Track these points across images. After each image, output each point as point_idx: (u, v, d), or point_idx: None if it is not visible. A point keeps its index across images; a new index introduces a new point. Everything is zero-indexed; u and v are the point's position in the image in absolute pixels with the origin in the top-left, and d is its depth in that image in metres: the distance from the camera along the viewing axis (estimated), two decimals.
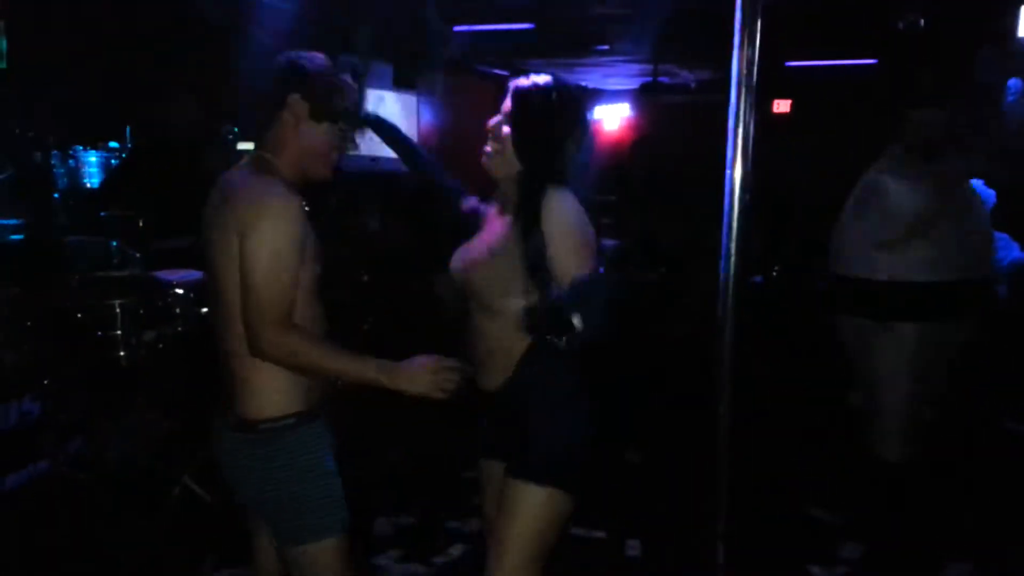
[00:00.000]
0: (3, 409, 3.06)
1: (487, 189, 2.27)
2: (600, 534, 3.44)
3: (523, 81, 2.06)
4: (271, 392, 1.84)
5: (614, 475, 3.90)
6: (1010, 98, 6.88)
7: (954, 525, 3.54)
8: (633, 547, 3.35)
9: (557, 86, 2.04)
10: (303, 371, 1.82)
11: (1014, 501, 3.76)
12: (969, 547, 3.31)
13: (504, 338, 2.00)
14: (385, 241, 5.76)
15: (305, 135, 1.90)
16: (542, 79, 2.06)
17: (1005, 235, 5.04)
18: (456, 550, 3.30)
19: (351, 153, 2.06)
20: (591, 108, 10.51)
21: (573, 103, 2.06)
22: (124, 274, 3.52)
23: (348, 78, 1.99)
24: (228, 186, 1.86)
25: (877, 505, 3.74)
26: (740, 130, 2.27)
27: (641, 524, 3.47)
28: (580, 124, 2.07)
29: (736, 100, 2.26)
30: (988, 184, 5.01)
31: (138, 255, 4.46)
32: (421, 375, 1.82)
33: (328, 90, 1.92)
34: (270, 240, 1.74)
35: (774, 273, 6.29)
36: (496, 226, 2.08)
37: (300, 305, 1.83)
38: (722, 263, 2.46)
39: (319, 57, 1.95)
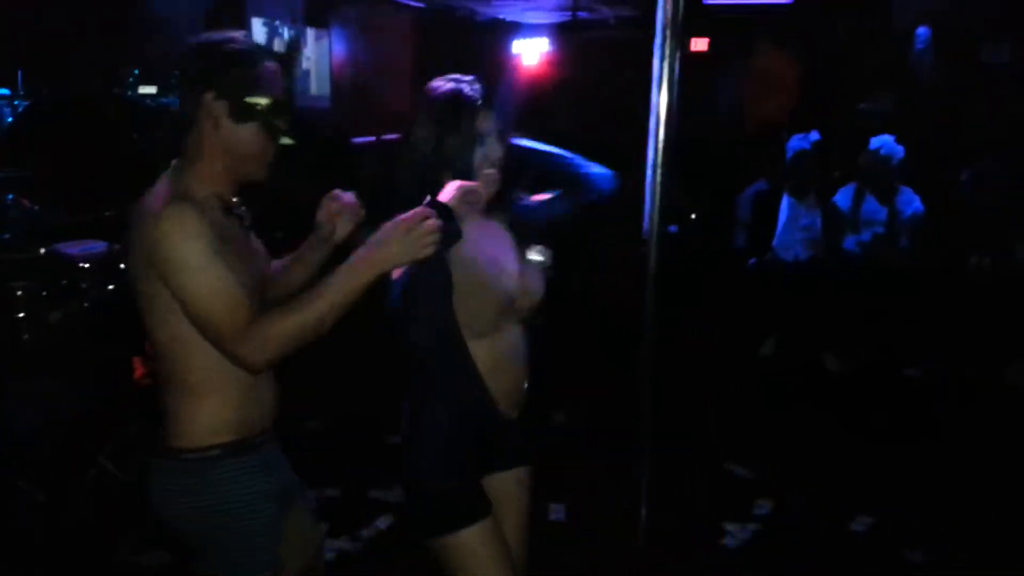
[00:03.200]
0: None
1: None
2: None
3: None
4: (197, 421, 1.72)
5: (540, 437, 3.96)
6: (919, 45, 7.04)
7: (860, 478, 3.74)
8: (557, 511, 3.43)
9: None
10: (303, 343, 1.61)
11: (915, 452, 4.00)
12: (874, 500, 3.51)
13: None
14: (297, 190, 5.59)
15: (228, 138, 1.69)
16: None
17: (908, 188, 5.22)
18: (383, 521, 3.32)
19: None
20: (509, 42, 10.34)
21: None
22: (25, 256, 3.33)
23: (272, 63, 1.72)
24: (139, 216, 1.66)
25: (788, 459, 3.93)
26: (665, 70, 2.23)
27: (565, 487, 3.54)
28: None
29: (661, 40, 2.22)
30: (898, 141, 5.16)
31: (36, 207, 4.25)
32: (402, 240, 1.61)
33: (249, 84, 1.67)
34: (185, 265, 1.59)
35: (690, 220, 6.38)
36: (504, 238, 2.01)
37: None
38: (646, 212, 2.44)
39: (235, 38, 1.70)
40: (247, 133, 1.69)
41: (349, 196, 1.97)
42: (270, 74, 1.71)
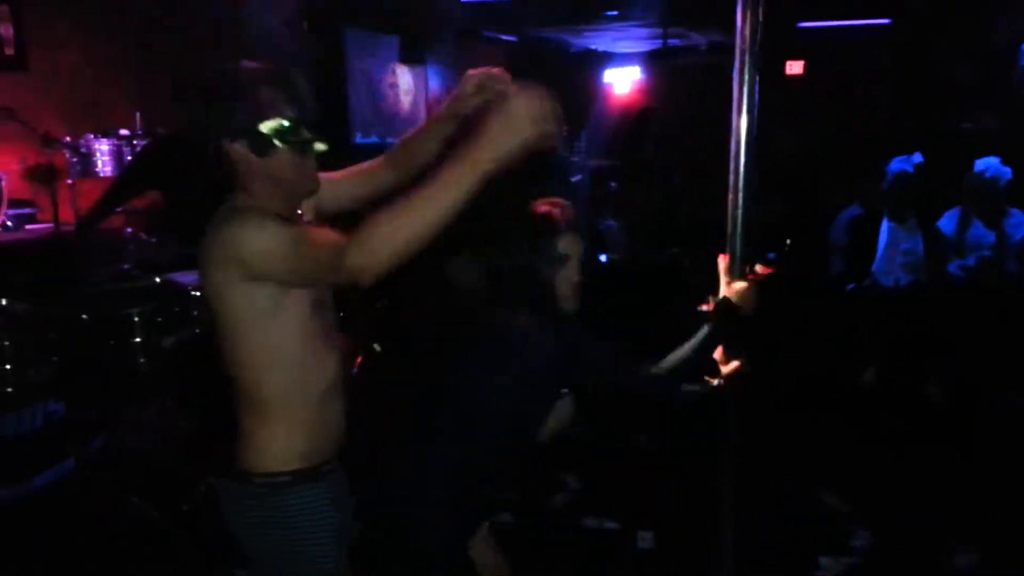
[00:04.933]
0: (29, 411, 3.12)
1: None
2: (613, 525, 3.52)
3: None
4: (268, 445, 1.75)
5: (623, 462, 3.97)
6: (1023, 62, 6.77)
7: (962, 512, 3.59)
8: (645, 539, 3.42)
9: None
10: (413, 245, 1.56)
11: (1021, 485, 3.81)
12: (977, 534, 3.36)
13: None
14: None
15: (263, 171, 1.69)
16: None
17: (1017, 211, 5.01)
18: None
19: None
20: (601, 72, 10.40)
21: None
22: (141, 284, 3.56)
23: (267, 87, 1.67)
24: (205, 241, 1.70)
25: (887, 491, 3.80)
26: (745, 94, 2.23)
27: (651, 514, 3.53)
28: None
29: (739, 66, 2.21)
30: (1004, 162, 4.97)
31: (153, 240, 4.53)
32: (521, 123, 1.51)
33: (252, 119, 1.64)
34: (275, 246, 1.61)
35: (786, 247, 6.26)
36: None
37: (302, 341, 1.73)
38: (728, 237, 2.43)
39: (225, 75, 1.68)
40: (277, 161, 1.69)
41: (498, 70, 1.91)
42: (269, 98, 1.66)
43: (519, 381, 1.90)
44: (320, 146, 1.74)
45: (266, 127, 1.65)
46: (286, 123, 1.67)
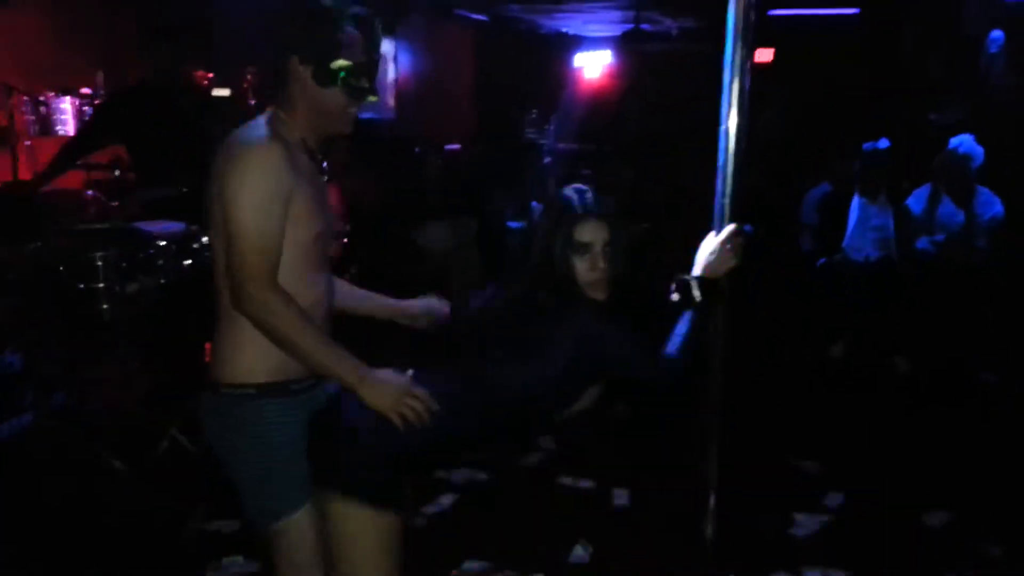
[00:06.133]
0: None
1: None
2: (588, 484, 3.48)
3: None
4: (238, 358, 1.77)
5: (602, 427, 3.93)
6: (992, 49, 6.86)
7: (934, 474, 3.61)
8: (620, 496, 3.39)
9: None
10: (277, 339, 1.71)
11: (990, 450, 3.85)
12: (948, 496, 3.38)
13: None
14: (366, 190, 5.68)
15: (313, 98, 1.79)
16: None
17: (986, 189, 5.06)
18: (447, 499, 3.31)
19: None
20: (571, 55, 10.38)
21: None
22: (106, 226, 3.44)
23: (353, 28, 1.78)
24: (227, 142, 1.77)
25: (859, 454, 3.82)
26: (736, 82, 2.21)
27: (629, 474, 3.50)
28: None
29: (732, 51, 2.20)
30: (977, 140, 5.02)
31: (115, 204, 4.40)
32: (388, 394, 1.73)
33: (329, 51, 1.75)
34: (246, 190, 1.66)
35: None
36: None
37: (297, 267, 1.75)
38: (716, 217, 2.43)
39: (320, 3, 1.77)
40: (330, 95, 1.78)
41: (445, 311, 2.16)
42: (351, 38, 1.78)
43: (538, 369, 1.82)
44: (373, 98, 1.86)
45: (336, 64, 1.76)
46: (354, 66, 1.78)
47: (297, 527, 1.82)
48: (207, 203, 1.77)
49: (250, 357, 1.76)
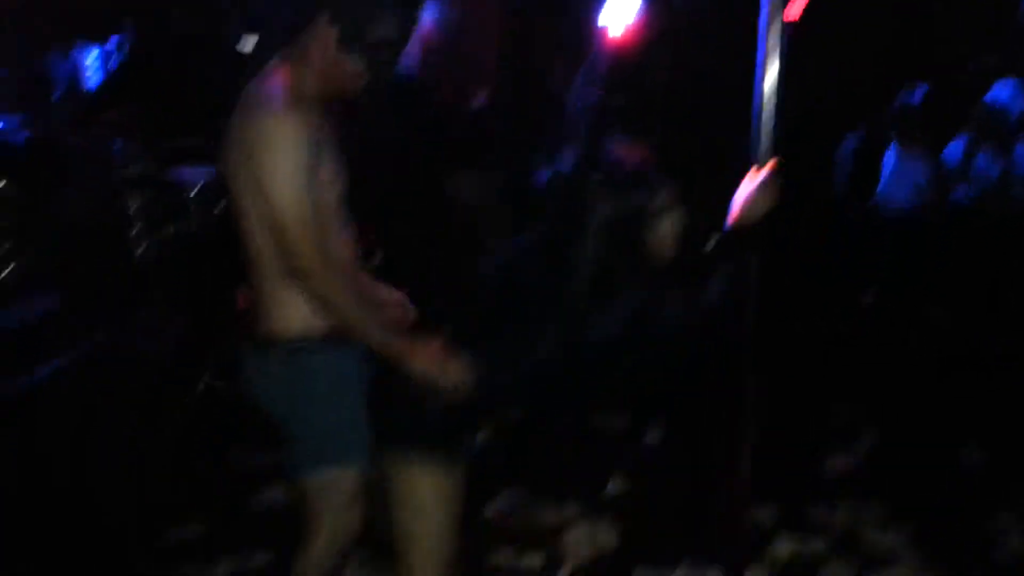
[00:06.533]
0: (25, 304, 3.04)
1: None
2: (621, 420, 3.48)
3: None
4: (297, 311, 1.75)
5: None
6: None
7: (968, 416, 3.57)
8: (653, 434, 3.38)
9: None
10: (329, 307, 1.71)
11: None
12: (984, 437, 3.35)
13: None
14: (393, 142, 5.66)
15: (330, 60, 1.73)
16: None
17: None
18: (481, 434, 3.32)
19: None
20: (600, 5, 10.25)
21: None
22: (138, 172, 3.45)
23: (394, 4, 1.73)
24: (245, 103, 1.74)
25: (893, 397, 3.78)
26: (773, 30, 2.15)
27: (662, 412, 3.48)
28: None
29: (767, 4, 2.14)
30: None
31: (143, 152, 4.42)
32: (433, 362, 1.71)
33: (363, 19, 1.70)
34: (280, 168, 1.64)
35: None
36: None
37: (329, 229, 1.75)
38: (753, 155, 2.39)
39: None
40: (350, 61, 1.73)
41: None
42: (390, 13, 1.73)
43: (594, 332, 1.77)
44: (389, 76, 1.87)
45: (367, 33, 1.71)
46: (384, 41, 1.74)
47: (349, 476, 1.84)
48: (229, 162, 1.75)
49: (307, 310, 1.75)
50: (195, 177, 3.49)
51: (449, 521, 1.80)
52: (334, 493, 1.85)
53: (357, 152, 1.95)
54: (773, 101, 2.14)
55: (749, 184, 1.96)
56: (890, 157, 5.18)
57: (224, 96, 3.60)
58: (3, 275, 3.00)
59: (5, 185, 3.14)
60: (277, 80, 1.73)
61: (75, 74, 5.29)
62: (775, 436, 3.20)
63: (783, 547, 2.62)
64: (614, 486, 2.99)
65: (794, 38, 2.22)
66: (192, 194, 3.42)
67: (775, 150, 2.19)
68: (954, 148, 5.14)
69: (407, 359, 1.71)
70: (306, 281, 1.68)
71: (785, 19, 2.13)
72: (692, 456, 3.19)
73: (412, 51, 9.12)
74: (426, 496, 1.77)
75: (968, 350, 4.43)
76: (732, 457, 2.85)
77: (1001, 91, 4.96)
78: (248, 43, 5.87)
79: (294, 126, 1.66)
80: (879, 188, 5.18)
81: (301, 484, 1.89)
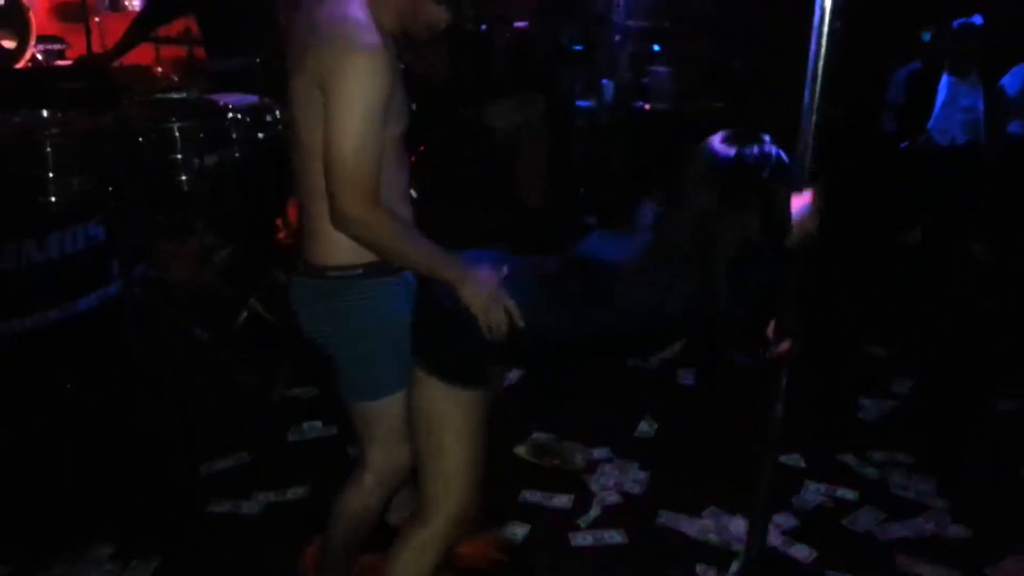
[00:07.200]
0: (70, 234, 3.08)
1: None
2: (654, 362, 3.51)
3: None
4: (341, 240, 1.70)
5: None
6: None
7: (1006, 362, 3.55)
8: (688, 376, 3.41)
9: None
10: (377, 249, 1.70)
11: None
12: (1015, 386, 3.33)
13: None
14: (436, 67, 5.58)
15: (417, 4, 1.72)
16: None
17: None
18: (514, 372, 3.37)
19: None
20: None
21: None
22: (182, 96, 3.45)
23: None
24: (315, 20, 1.65)
25: (930, 341, 3.76)
26: None
27: (695, 356, 3.50)
28: None
29: None
30: None
31: (186, 77, 4.42)
32: (482, 297, 1.69)
33: None
34: (359, 103, 1.58)
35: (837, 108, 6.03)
36: None
37: (385, 165, 1.69)
38: (806, 94, 2.31)
39: None
40: (433, 11, 1.74)
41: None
42: None
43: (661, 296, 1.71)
44: (469, 26, 1.81)
45: None
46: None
47: (393, 403, 1.84)
48: (292, 80, 1.69)
49: (353, 242, 1.71)
50: (239, 102, 3.47)
51: (469, 452, 1.79)
52: (380, 424, 1.88)
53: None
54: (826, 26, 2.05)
55: (797, 204, 1.82)
56: (943, 88, 5.02)
57: (268, 18, 3.55)
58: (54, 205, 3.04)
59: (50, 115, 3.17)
60: (352, 5, 1.66)
61: None
62: (807, 382, 3.23)
63: (811, 495, 2.64)
64: (646, 426, 3.02)
65: None
66: (236, 119, 3.39)
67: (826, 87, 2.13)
68: (1012, 77, 4.95)
69: (462, 290, 1.70)
70: (346, 225, 1.65)
71: None
72: (725, 399, 3.20)
73: None
74: (452, 421, 1.77)
75: (1011, 294, 4.37)
76: (764, 402, 2.87)
77: None
78: None
79: (380, 64, 1.60)
80: (930, 121, 5.03)
81: (350, 415, 1.91)
